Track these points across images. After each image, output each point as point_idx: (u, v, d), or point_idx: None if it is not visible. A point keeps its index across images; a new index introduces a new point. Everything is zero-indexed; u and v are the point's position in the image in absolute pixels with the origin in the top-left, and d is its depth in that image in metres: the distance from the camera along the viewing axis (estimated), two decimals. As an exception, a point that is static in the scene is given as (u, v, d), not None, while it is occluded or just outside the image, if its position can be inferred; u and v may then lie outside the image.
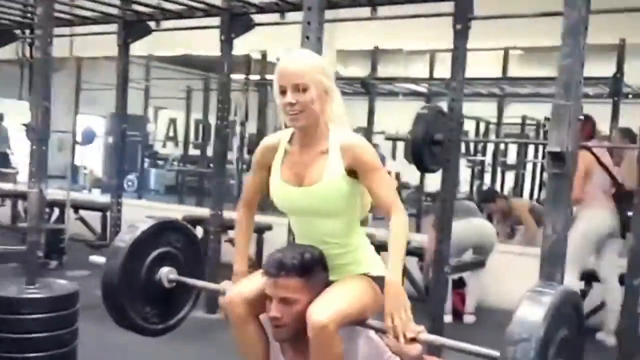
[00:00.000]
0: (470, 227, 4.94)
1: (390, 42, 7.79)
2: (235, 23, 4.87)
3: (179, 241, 2.21)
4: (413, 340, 1.67)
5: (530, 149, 10.34)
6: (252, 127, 10.07)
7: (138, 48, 5.50)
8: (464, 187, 9.30)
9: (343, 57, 9.90)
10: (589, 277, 4.82)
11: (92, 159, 12.23)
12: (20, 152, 10.18)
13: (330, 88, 1.90)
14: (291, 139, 1.96)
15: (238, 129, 9.77)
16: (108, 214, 6.21)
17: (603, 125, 5.99)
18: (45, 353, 2.99)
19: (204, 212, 6.46)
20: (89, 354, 3.34)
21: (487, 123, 10.23)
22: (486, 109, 9.47)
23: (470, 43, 3.97)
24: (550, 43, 7.14)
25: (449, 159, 3.97)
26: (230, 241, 6.05)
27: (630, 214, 4.55)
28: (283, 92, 1.86)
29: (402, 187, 10.31)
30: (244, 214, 2.10)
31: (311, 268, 1.82)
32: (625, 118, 6.19)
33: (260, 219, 7.21)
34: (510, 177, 10.01)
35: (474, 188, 9.86)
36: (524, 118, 9.88)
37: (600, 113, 5.83)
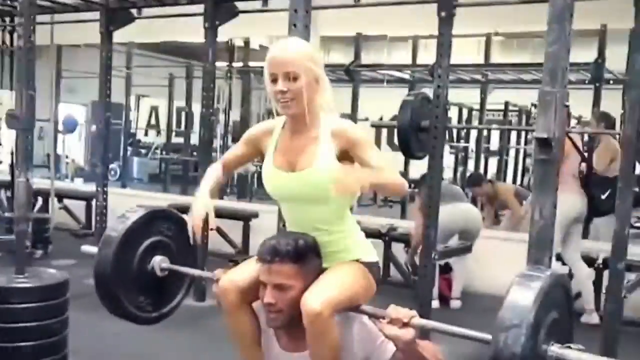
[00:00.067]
0: (456, 211, 4.97)
1: (373, 29, 7.79)
2: (219, 10, 4.85)
3: (170, 230, 2.21)
4: (406, 325, 1.69)
5: (513, 135, 10.43)
6: (235, 115, 10.06)
7: (119, 35, 5.44)
8: (447, 173, 9.37)
9: (326, 43, 9.90)
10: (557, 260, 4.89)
11: (73, 148, 12.14)
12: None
13: (320, 76, 1.92)
14: (283, 126, 1.99)
15: (221, 116, 9.75)
16: (93, 203, 6.18)
17: (585, 111, 6.06)
18: (36, 342, 2.99)
19: (188, 200, 6.45)
20: (79, 343, 3.34)
21: (470, 110, 10.30)
22: (469, 96, 9.53)
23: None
24: (531, 29, 7.24)
25: (435, 145, 4.01)
26: (217, 229, 6.06)
27: (603, 197, 4.67)
28: (274, 80, 1.87)
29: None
30: (219, 167, 2.11)
31: (305, 254, 1.84)
32: (607, 104, 6.26)
33: (247, 206, 7.27)
34: (493, 163, 10.09)
35: (458, 174, 9.93)
36: (506, 104, 9.96)
37: (582, 99, 5.91)
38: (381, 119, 9.80)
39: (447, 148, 8.65)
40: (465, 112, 10.60)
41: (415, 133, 4.05)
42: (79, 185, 9.26)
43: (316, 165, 1.88)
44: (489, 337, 1.50)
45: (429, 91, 4.28)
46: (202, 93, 5.09)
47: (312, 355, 1.82)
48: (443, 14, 3.92)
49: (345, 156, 1.89)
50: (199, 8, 4.91)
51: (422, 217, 4.33)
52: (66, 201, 7.18)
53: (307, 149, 1.91)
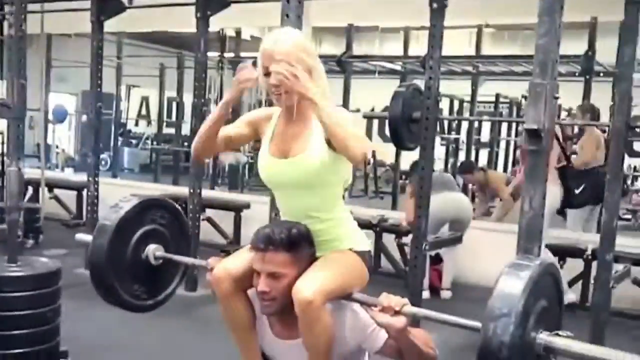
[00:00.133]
0: (447, 200, 4.99)
1: (365, 20, 7.79)
2: (211, 0, 4.84)
3: (164, 218, 2.23)
4: (398, 312, 1.72)
5: (504, 126, 10.48)
6: (227, 105, 10.00)
7: (110, 25, 5.42)
8: (438, 165, 9.41)
9: (317, 34, 9.89)
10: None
11: (63, 138, 12.08)
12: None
13: (313, 66, 1.93)
14: (279, 115, 2.01)
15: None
16: (84, 192, 6.16)
17: (575, 103, 6.10)
18: (28, 330, 2.99)
19: (179, 190, 6.45)
20: (71, 331, 3.35)
21: (461, 101, 10.33)
22: (460, 87, 9.56)
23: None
24: (521, 21, 7.26)
25: (427, 136, 4.03)
26: (208, 219, 6.08)
27: (577, 192, 4.75)
28: (267, 73, 1.88)
29: (377, 165, 10.40)
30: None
31: (298, 243, 1.86)
32: (597, 96, 6.31)
33: (238, 197, 7.28)
34: (484, 154, 10.14)
35: (449, 166, 9.97)
36: (497, 96, 9.99)
37: (572, 91, 5.94)
38: (373, 110, 9.82)
39: (438, 139, 8.68)
40: (456, 103, 10.63)
41: (406, 124, 4.07)
42: (70, 175, 9.22)
43: (309, 151, 1.90)
44: (478, 324, 1.52)
45: (420, 82, 4.29)
46: (193, 83, 5.08)
47: (305, 343, 1.85)
48: (435, 5, 3.93)
49: None
50: (191, -3, 4.90)
51: (415, 201, 4.30)
52: (57, 191, 7.15)
53: (301, 136, 1.94)
